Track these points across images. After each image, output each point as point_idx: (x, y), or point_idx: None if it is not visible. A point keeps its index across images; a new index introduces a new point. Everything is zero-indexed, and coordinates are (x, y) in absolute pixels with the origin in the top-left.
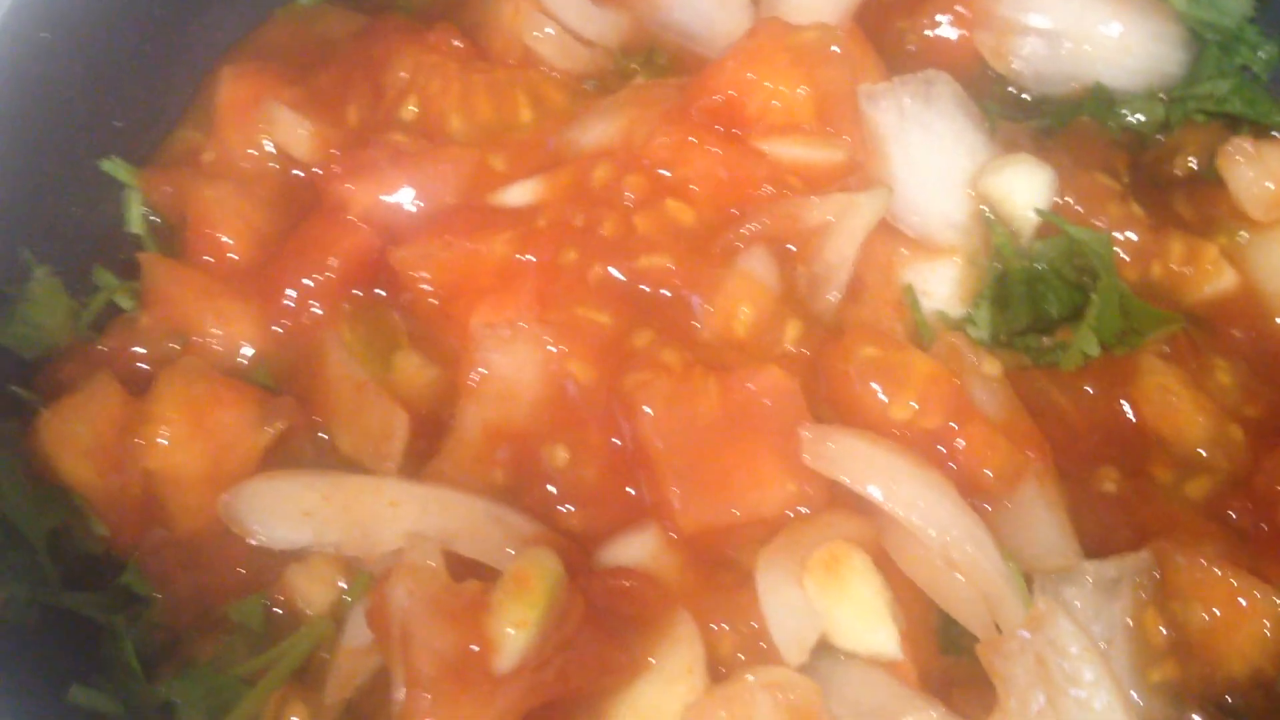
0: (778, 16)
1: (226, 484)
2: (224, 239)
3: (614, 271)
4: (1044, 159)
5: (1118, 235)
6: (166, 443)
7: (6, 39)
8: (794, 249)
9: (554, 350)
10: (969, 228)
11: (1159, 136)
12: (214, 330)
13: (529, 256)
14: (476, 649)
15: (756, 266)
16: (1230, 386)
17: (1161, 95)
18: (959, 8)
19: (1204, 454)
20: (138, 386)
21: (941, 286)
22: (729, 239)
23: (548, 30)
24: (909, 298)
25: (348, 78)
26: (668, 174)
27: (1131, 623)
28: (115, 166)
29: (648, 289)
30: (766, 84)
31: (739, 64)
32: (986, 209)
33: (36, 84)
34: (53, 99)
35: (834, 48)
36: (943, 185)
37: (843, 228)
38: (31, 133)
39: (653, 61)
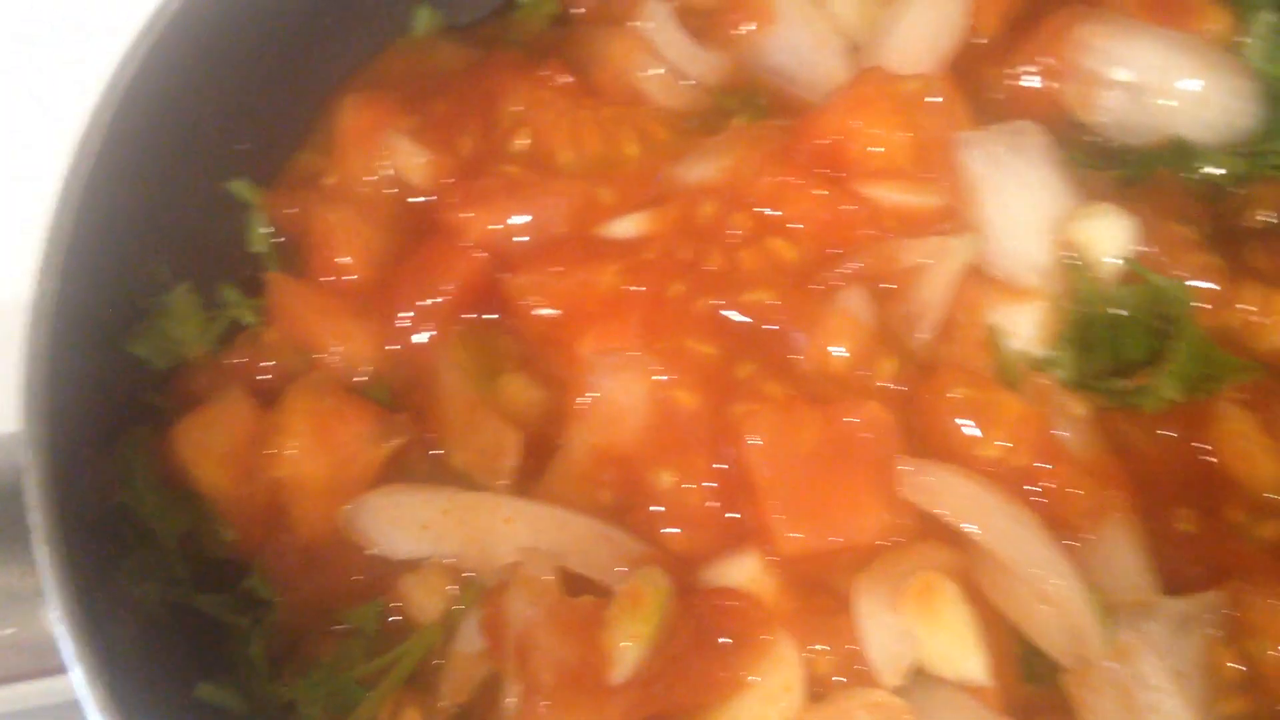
0: (880, 65)
1: (346, 495)
2: (344, 260)
3: (719, 305)
4: (1126, 208)
5: (1196, 284)
6: (294, 454)
7: (148, 65)
8: (890, 288)
9: (661, 378)
10: (1053, 272)
11: (1235, 189)
12: (335, 347)
13: (637, 287)
14: (592, 660)
15: (855, 304)
16: None
17: (1238, 149)
18: (1046, 59)
19: (1277, 498)
20: (265, 399)
21: (1026, 327)
22: (829, 277)
23: (654, 70)
24: (994, 337)
25: (462, 109)
26: (772, 213)
27: (1204, 657)
28: (241, 188)
29: (751, 322)
30: (869, 130)
31: (844, 110)
32: (1071, 255)
33: (172, 108)
34: (186, 122)
35: (934, 98)
36: (1030, 230)
37: (936, 270)
38: (167, 154)
39: (753, 102)
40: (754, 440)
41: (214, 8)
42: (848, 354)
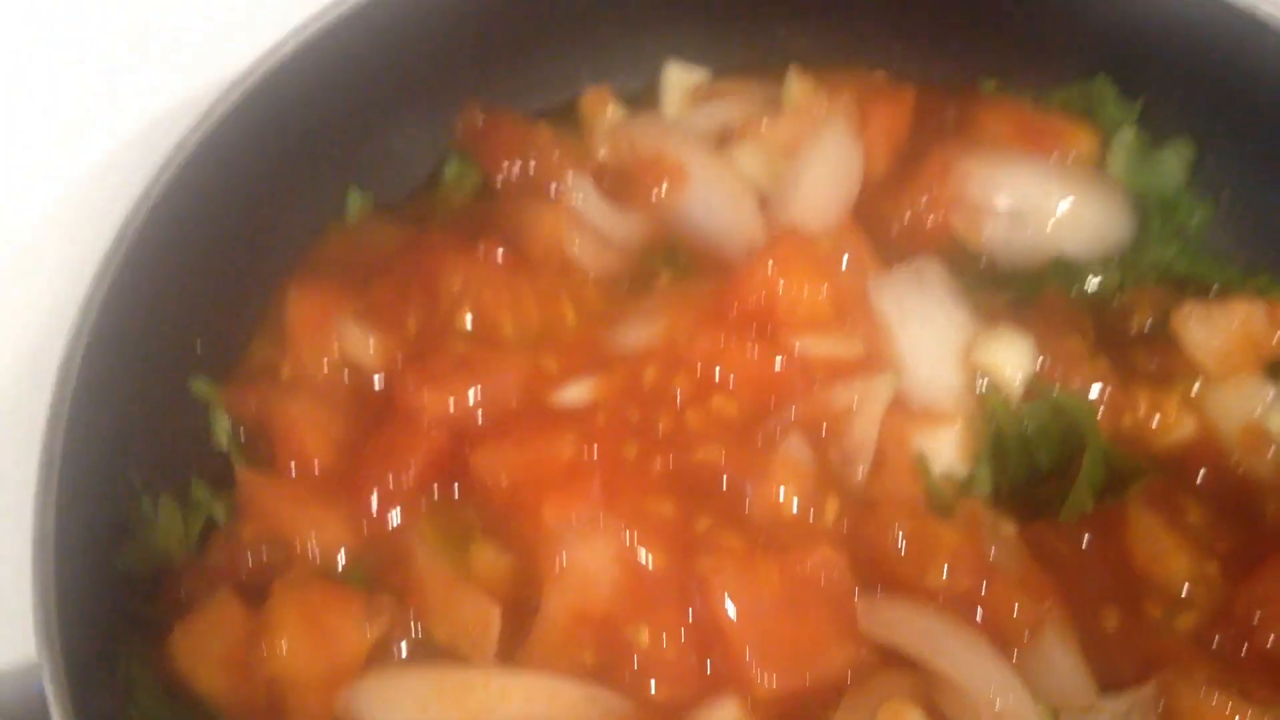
0: (795, 228)
1: (339, 682)
2: (308, 449)
3: (672, 464)
4: (1022, 328)
5: (1092, 390)
6: (287, 650)
7: (117, 286)
8: (824, 433)
9: (625, 539)
10: (965, 395)
11: (1116, 299)
12: (310, 537)
13: (593, 452)
14: None
15: (795, 452)
16: (1200, 525)
17: (1115, 262)
18: (935, 192)
19: (1188, 590)
20: (252, 596)
21: (946, 450)
22: (769, 428)
23: (581, 239)
24: (921, 464)
25: (403, 289)
26: (710, 372)
27: None
28: (201, 386)
29: (703, 479)
30: (792, 289)
31: (767, 272)
32: (980, 377)
33: (136, 321)
34: (149, 331)
35: (845, 253)
36: (940, 360)
37: (864, 411)
38: (134, 365)
39: (675, 260)
40: (721, 594)
41: (169, 222)
42: (795, 499)
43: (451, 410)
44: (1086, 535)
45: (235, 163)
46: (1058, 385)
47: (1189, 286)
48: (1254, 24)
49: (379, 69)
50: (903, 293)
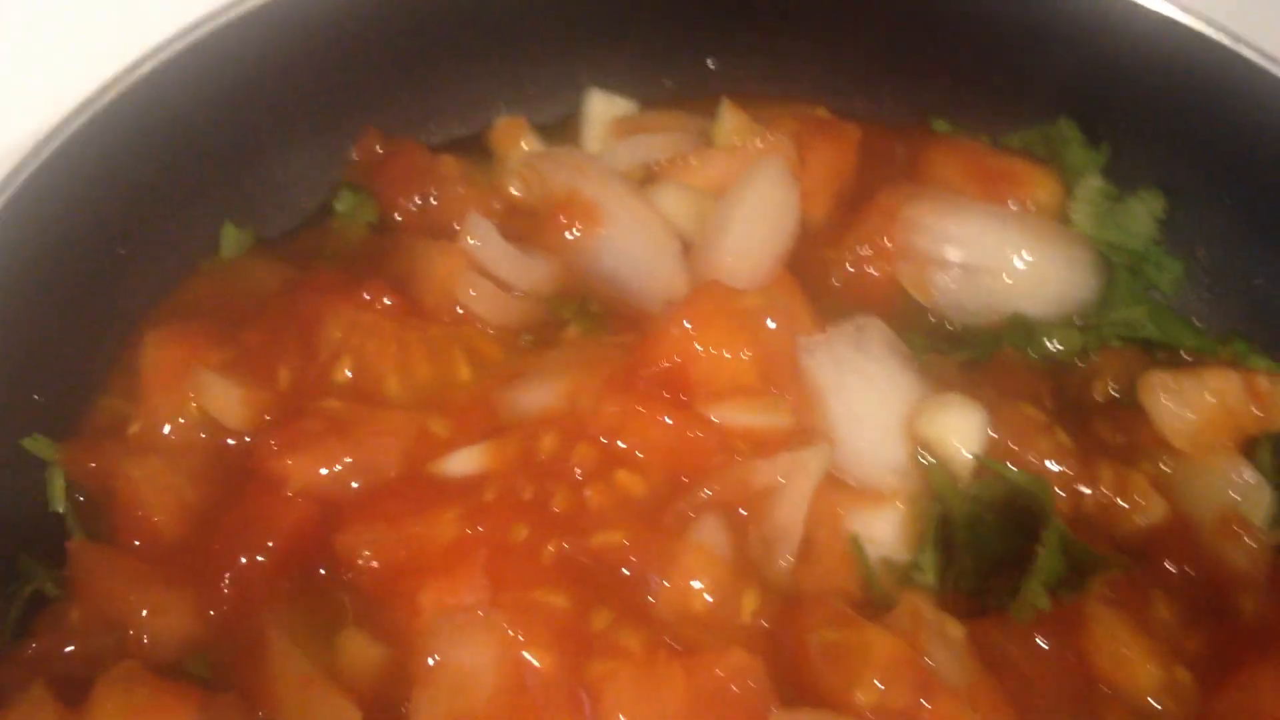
0: (718, 280)
1: None
2: (154, 518)
3: (567, 549)
4: (973, 394)
5: (1049, 466)
6: None
7: None
8: (744, 513)
9: (510, 636)
10: (908, 471)
11: (1079, 363)
12: (148, 622)
13: (478, 531)
14: None
15: (709, 537)
16: (1170, 621)
17: (1078, 321)
18: (880, 240)
19: (1156, 702)
20: (72, 693)
21: (886, 532)
22: (680, 509)
23: (480, 286)
24: (856, 549)
25: (278, 336)
26: (615, 443)
27: None
28: (37, 444)
29: (603, 567)
30: (712, 351)
31: (683, 330)
32: (925, 451)
33: None
34: None
35: (775, 312)
36: (880, 431)
37: (791, 488)
38: None
39: (586, 310)
40: (616, 704)
41: (3, 256)
42: (707, 592)
43: (321, 478)
44: (1041, 637)
45: (85, 191)
46: (1011, 461)
47: (1158, 352)
48: (1236, 62)
49: (264, 88)
50: (840, 354)
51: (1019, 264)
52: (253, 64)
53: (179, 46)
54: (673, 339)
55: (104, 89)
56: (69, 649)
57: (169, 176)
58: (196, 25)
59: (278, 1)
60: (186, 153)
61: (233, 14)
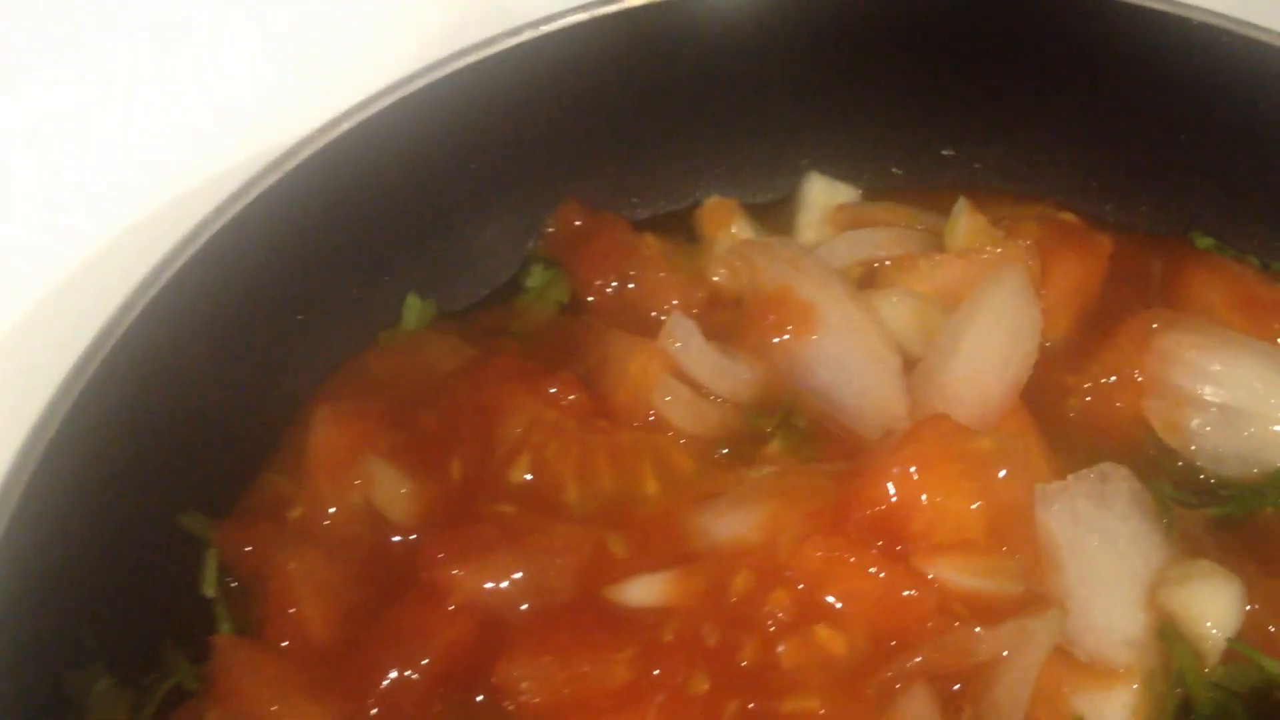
0: (946, 415)
1: None
2: (307, 616)
3: (753, 710)
4: (1228, 563)
5: None
6: None
7: (83, 386)
8: (958, 688)
9: None
10: (1146, 646)
11: None
12: None
13: (653, 675)
14: None
15: (917, 714)
16: None
17: None
18: (1131, 370)
19: None
20: None
21: (1114, 716)
22: (886, 677)
23: (679, 390)
24: None
25: (453, 424)
26: (816, 593)
27: None
28: (194, 521)
29: None
30: (936, 499)
31: (905, 472)
32: (1167, 626)
33: (118, 437)
34: (128, 450)
35: (1011, 460)
36: (1119, 598)
37: (1016, 662)
38: (99, 492)
39: (790, 424)
40: None
41: (169, 318)
42: None
43: (487, 595)
44: None
45: (269, 254)
46: (1268, 648)
47: None
48: None
49: (461, 151)
50: (1079, 508)
51: None
52: (451, 126)
53: (378, 106)
54: (891, 479)
55: (298, 147)
56: None
57: (356, 241)
58: (399, 85)
59: (482, 62)
60: (376, 217)
61: (434, 75)
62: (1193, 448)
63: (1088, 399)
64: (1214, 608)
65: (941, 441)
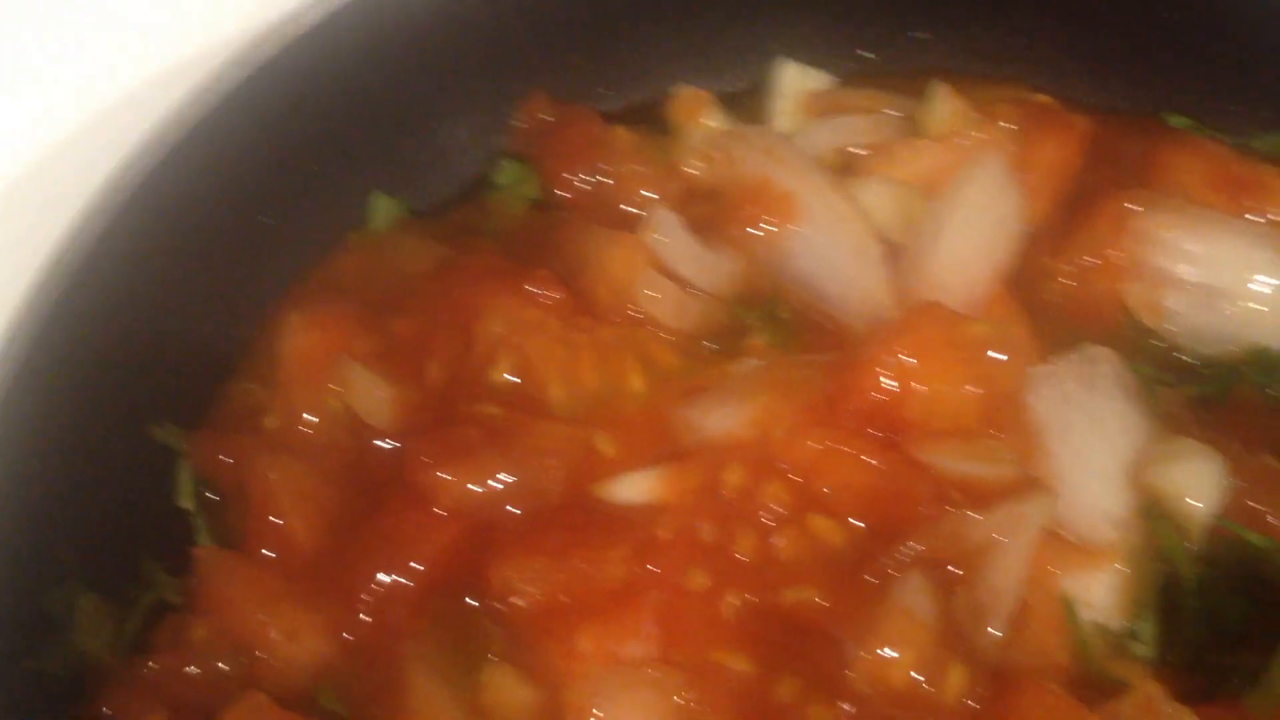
0: (939, 303)
1: None
2: (291, 526)
3: (753, 603)
4: (1210, 440)
5: None
6: None
7: (53, 294)
8: (954, 573)
9: (684, 702)
10: (1132, 524)
11: None
12: (278, 645)
13: (650, 570)
14: None
15: (914, 598)
16: None
17: None
18: (1106, 251)
19: None
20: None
21: (1101, 595)
22: (882, 565)
23: (662, 284)
24: (1069, 614)
25: (430, 326)
26: (811, 484)
27: None
28: (166, 432)
29: (791, 627)
30: (931, 386)
31: (899, 361)
32: (1152, 503)
33: (79, 347)
34: (96, 362)
35: (1004, 343)
36: (1104, 479)
37: (1009, 546)
38: (70, 395)
39: (773, 316)
40: None
41: (137, 223)
42: (909, 665)
43: (475, 498)
44: None
45: (230, 152)
46: (1251, 522)
47: None
48: None
49: (425, 44)
50: (1067, 390)
51: (1266, 289)
52: (417, 19)
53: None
54: (885, 367)
55: (260, 42)
56: (191, 670)
57: (320, 140)
58: None
59: None
60: (342, 115)
61: None
62: (1171, 328)
63: (1066, 281)
64: (1197, 484)
65: (936, 328)
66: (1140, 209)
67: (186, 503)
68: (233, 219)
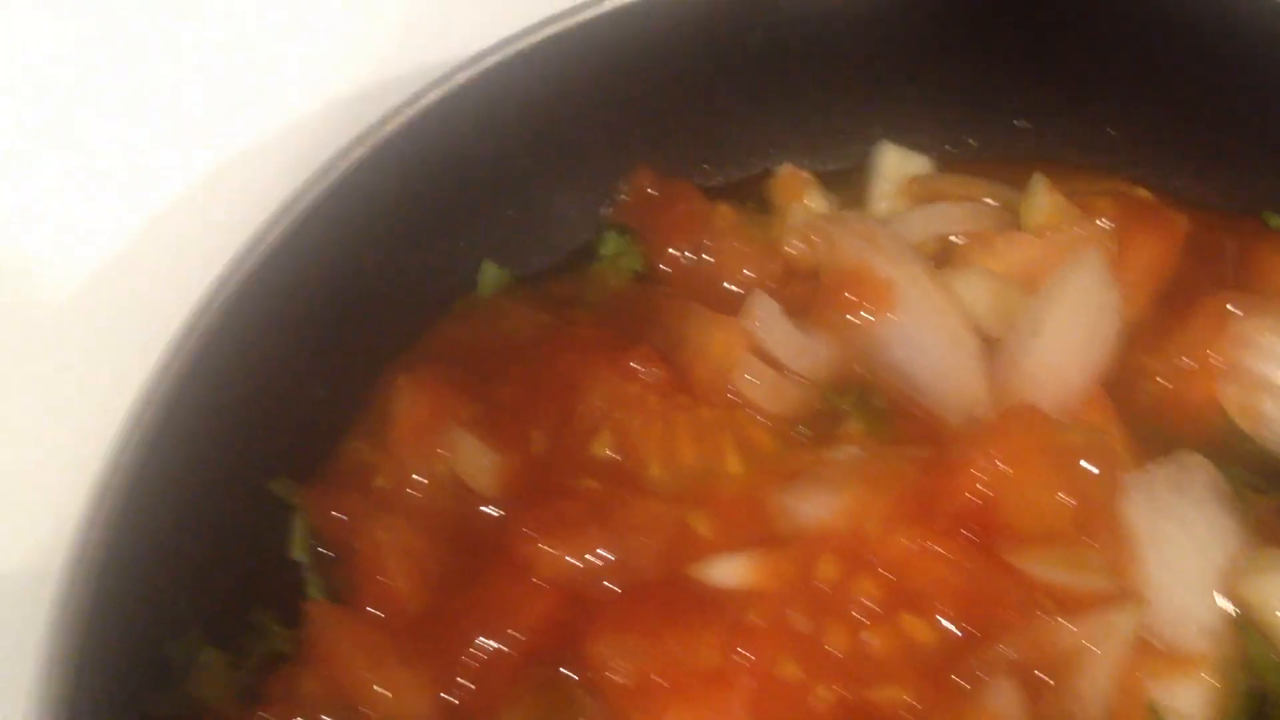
0: (1034, 407)
1: None
2: (397, 586)
3: (842, 697)
4: None
5: None
6: None
7: (179, 363)
8: (1043, 678)
9: None
10: (1222, 634)
11: None
12: (381, 700)
13: (743, 657)
14: None
15: (1003, 705)
16: None
17: None
18: (1207, 353)
19: None
20: None
21: (1189, 704)
22: (972, 667)
23: (760, 368)
24: None
25: (532, 393)
26: (903, 581)
27: None
28: (282, 486)
29: None
30: (1024, 491)
31: (993, 464)
32: (1243, 613)
33: (213, 408)
34: (225, 425)
35: (1098, 453)
36: (1195, 586)
37: (1099, 654)
38: (199, 466)
39: (867, 404)
40: None
41: (261, 290)
42: None
43: (572, 571)
44: None
45: (356, 225)
46: None
47: None
48: None
49: (538, 119)
50: (1158, 497)
51: None
52: (529, 96)
53: (459, 79)
54: (979, 469)
55: (384, 120)
56: None
57: (435, 209)
58: (479, 57)
59: (560, 34)
60: (455, 185)
61: (513, 47)
62: (1267, 433)
63: (1163, 382)
64: None
65: (1030, 434)
66: (1239, 311)
67: (300, 556)
68: (350, 285)
